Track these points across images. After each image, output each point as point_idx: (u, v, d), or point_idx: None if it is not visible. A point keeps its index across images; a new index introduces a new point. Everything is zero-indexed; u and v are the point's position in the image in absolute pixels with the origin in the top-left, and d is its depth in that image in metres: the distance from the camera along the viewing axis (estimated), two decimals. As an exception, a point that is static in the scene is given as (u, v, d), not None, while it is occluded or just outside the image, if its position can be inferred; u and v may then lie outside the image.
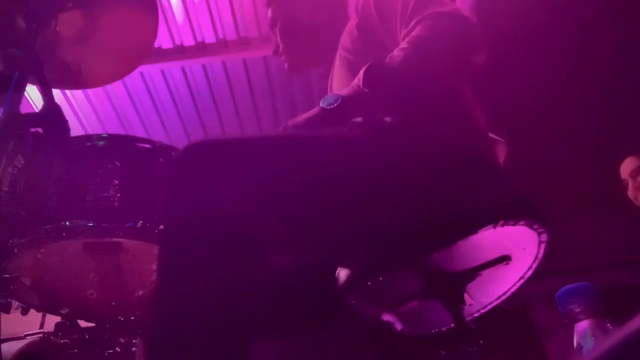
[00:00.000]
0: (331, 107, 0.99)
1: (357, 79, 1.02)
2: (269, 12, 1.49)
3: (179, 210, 0.79)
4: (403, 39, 1.06)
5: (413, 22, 1.06)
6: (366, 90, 0.99)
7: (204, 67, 3.16)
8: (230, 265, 0.73)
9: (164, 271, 0.75)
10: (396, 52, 1.02)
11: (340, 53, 1.28)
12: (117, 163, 1.14)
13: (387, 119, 1.05)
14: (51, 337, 1.46)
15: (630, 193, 2.33)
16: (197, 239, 0.74)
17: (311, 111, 1.04)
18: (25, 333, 1.59)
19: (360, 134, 0.99)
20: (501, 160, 1.10)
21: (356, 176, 0.89)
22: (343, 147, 0.93)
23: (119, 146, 1.20)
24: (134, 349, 1.30)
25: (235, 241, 0.75)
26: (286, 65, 1.48)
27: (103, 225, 1.09)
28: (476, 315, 1.06)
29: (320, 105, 1.01)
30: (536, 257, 0.96)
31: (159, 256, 0.78)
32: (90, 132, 3.44)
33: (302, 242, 1.11)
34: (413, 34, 1.03)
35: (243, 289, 0.74)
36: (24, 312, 1.34)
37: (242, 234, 0.75)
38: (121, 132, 3.50)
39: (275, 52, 1.50)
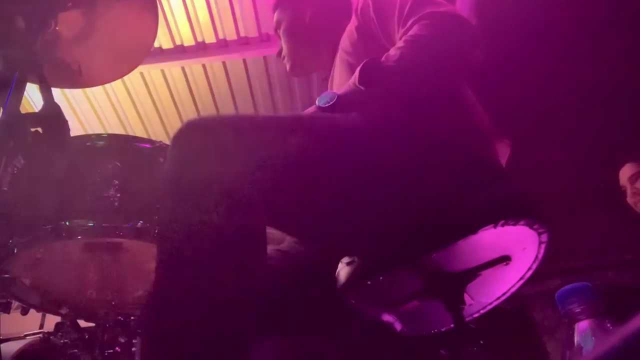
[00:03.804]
0: (327, 105, 0.99)
1: (353, 77, 1.02)
2: (275, 15, 1.50)
3: (176, 201, 0.77)
4: (400, 39, 1.06)
5: (410, 22, 1.06)
6: (362, 88, 0.99)
7: (204, 67, 3.16)
8: (230, 264, 0.73)
9: (161, 269, 0.74)
10: (392, 51, 1.02)
11: (340, 55, 1.28)
12: (117, 163, 1.14)
13: (385, 118, 1.05)
14: (51, 337, 1.46)
15: (629, 199, 2.34)
16: (196, 234, 0.73)
17: (307, 110, 1.04)
18: (25, 333, 1.60)
19: (358, 131, 0.99)
20: (503, 160, 1.10)
21: (355, 176, 0.89)
22: (342, 148, 0.93)
23: (119, 146, 1.20)
24: (134, 349, 1.30)
25: (235, 237, 0.74)
26: (288, 67, 1.49)
27: (103, 225, 1.08)
28: (476, 315, 1.06)
29: (317, 103, 1.01)
30: (536, 258, 0.96)
31: (157, 252, 0.77)
32: (90, 132, 3.45)
33: (302, 241, 1.11)
34: (410, 33, 1.03)
35: (243, 288, 0.73)
36: (24, 312, 1.34)
37: (240, 228, 0.75)
38: (121, 132, 3.50)
39: (279, 54, 1.51)
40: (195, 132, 0.82)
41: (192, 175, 0.77)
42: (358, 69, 1.01)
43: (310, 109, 1.03)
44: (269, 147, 0.83)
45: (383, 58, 1.01)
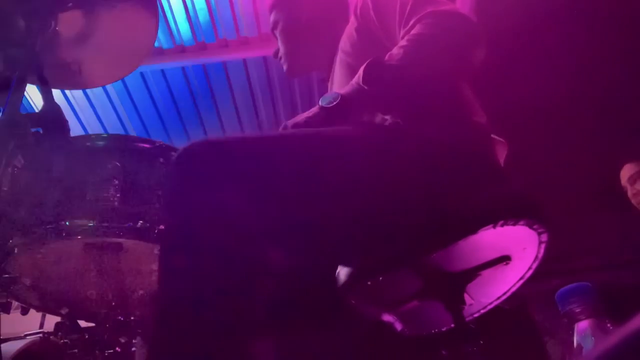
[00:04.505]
0: (330, 105, 0.99)
1: (356, 76, 1.01)
2: (272, 16, 1.50)
3: (179, 210, 0.79)
4: (402, 38, 1.06)
5: (412, 22, 1.06)
6: (365, 87, 0.99)
7: (204, 67, 3.16)
8: (230, 265, 0.73)
9: (164, 272, 0.75)
10: (395, 50, 1.02)
11: (340, 57, 1.27)
12: (117, 163, 1.14)
13: (387, 117, 1.05)
14: (51, 337, 1.46)
15: (632, 200, 2.34)
16: (198, 239, 0.74)
17: (310, 110, 1.04)
18: (25, 333, 1.59)
19: (359, 133, 0.99)
20: (501, 160, 1.10)
21: (356, 176, 0.89)
22: (343, 147, 0.93)
23: (119, 146, 1.20)
24: (134, 349, 1.30)
25: (235, 241, 0.74)
26: (285, 68, 1.49)
27: (103, 225, 1.08)
28: (476, 315, 1.06)
29: (320, 104, 1.01)
30: (536, 257, 0.96)
31: (159, 256, 0.78)
32: (90, 132, 3.45)
33: (302, 241, 1.10)
34: (412, 32, 1.03)
35: (243, 288, 0.74)
36: (24, 312, 1.34)
37: (242, 234, 0.75)
38: (121, 132, 3.51)
39: (275, 54, 1.51)
40: (197, 154, 0.84)
41: (193, 195, 0.79)
42: (362, 67, 1.00)
43: (313, 110, 1.02)
44: (268, 166, 0.85)
45: (386, 57, 1.01)
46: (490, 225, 0.85)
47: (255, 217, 0.78)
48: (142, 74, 3.15)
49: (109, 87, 3.17)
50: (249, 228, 0.77)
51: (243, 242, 0.75)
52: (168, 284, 0.74)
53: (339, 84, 1.25)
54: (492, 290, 1.02)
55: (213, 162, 0.82)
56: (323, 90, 1.38)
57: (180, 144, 1.10)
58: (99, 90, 3.19)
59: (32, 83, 1.18)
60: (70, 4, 1.32)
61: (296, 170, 0.86)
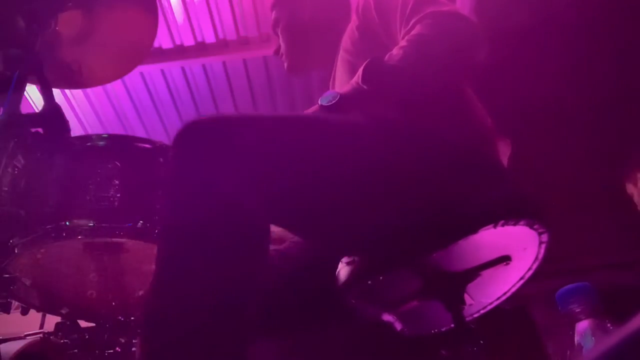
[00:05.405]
0: (330, 104, 0.99)
1: (356, 76, 1.01)
2: (273, 14, 1.50)
3: (178, 203, 0.78)
4: (403, 38, 1.06)
5: (412, 22, 1.06)
6: (365, 87, 0.99)
7: (204, 67, 3.16)
8: (229, 263, 0.73)
9: (161, 268, 0.74)
10: (395, 50, 1.02)
11: (341, 55, 1.28)
12: (117, 163, 1.14)
13: (387, 117, 1.04)
14: (51, 337, 1.46)
15: None
16: (197, 233, 0.73)
17: (310, 109, 1.04)
18: (25, 333, 1.59)
19: (363, 126, 0.98)
20: (505, 160, 1.10)
21: (356, 175, 0.89)
22: (346, 137, 0.93)
23: (119, 146, 1.20)
24: (134, 349, 1.30)
25: (235, 238, 0.74)
26: (286, 65, 1.49)
27: (103, 225, 1.08)
28: (476, 315, 1.06)
29: (319, 102, 1.01)
30: (536, 258, 0.96)
31: (157, 253, 0.76)
32: (90, 132, 3.45)
33: (303, 237, 1.10)
34: (412, 32, 1.03)
35: (243, 288, 0.73)
36: (24, 312, 1.34)
37: (243, 230, 0.75)
38: (121, 132, 3.50)
39: (276, 52, 1.51)
40: (196, 132, 0.82)
41: (193, 177, 0.77)
42: (361, 67, 1.00)
43: (313, 109, 1.03)
44: (270, 146, 0.83)
45: (386, 57, 1.01)
46: (491, 225, 0.85)
47: (255, 210, 0.77)
48: (142, 74, 3.15)
49: (109, 87, 3.17)
50: (250, 223, 0.76)
51: (244, 239, 0.75)
52: (164, 281, 0.73)
53: (341, 82, 1.25)
54: (493, 290, 1.02)
55: (213, 145, 0.79)
56: (323, 90, 1.39)
57: (180, 144, 1.09)
58: (99, 90, 3.19)
59: (32, 83, 1.18)
60: (70, 4, 1.32)
61: (297, 168, 0.85)
